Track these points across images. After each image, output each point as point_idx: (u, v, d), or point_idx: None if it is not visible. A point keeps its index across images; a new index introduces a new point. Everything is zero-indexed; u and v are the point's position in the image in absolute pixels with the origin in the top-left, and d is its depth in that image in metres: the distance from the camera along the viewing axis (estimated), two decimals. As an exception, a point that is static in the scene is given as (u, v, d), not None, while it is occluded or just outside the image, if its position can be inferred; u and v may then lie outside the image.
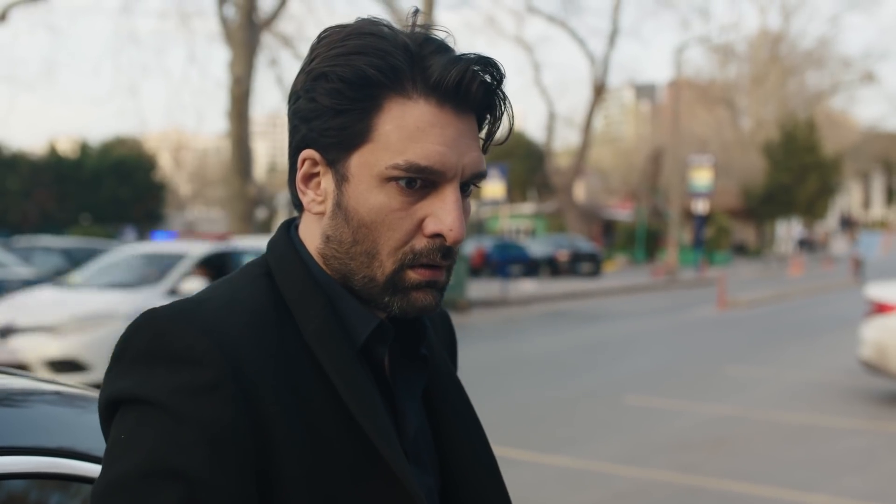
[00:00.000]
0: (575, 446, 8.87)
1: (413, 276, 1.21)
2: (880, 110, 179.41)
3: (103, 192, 45.90)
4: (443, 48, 1.22)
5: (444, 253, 1.22)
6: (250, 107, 27.46)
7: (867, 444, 9.23)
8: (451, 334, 1.56)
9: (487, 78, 1.22)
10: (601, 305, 26.21)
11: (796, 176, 57.91)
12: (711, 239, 54.64)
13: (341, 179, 1.21)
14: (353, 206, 1.20)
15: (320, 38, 1.25)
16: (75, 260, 19.75)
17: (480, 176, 1.25)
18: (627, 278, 38.14)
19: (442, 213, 1.20)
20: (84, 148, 48.50)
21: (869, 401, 11.53)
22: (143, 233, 42.68)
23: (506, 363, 14.39)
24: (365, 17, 1.26)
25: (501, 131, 1.30)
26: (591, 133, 49.42)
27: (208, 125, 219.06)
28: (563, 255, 40.18)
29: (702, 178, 42.83)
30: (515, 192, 60.36)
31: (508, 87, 1.25)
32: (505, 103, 1.26)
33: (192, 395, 1.09)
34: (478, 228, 49.48)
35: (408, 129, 1.18)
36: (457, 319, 21.12)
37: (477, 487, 1.33)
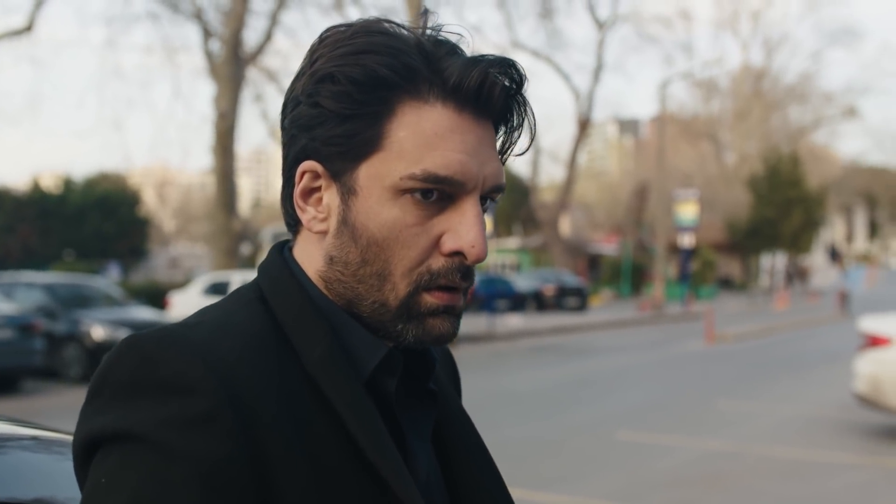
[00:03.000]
0: (565, 483, 8.67)
1: (429, 299, 1.09)
2: (862, 145, 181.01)
3: (87, 227, 45.86)
4: (456, 50, 1.11)
5: (463, 273, 1.09)
6: (235, 141, 27.38)
7: (866, 479, 9.04)
8: (453, 366, 1.42)
9: (507, 82, 1.09)
10: (588, 340, 26.06)
11: (781, 210, 58.01)
12: (697, 273, 54.64)
13: (348, 193, 1.09)
14: (363, 223, 1.08)
15: (322, 38, 1.12)
16: (58, 296, 19.49)
17: (500, 189, 1.13)
18: (614, 313, 38.03)
19: (462, 228, 1.08)
20: (68, 183, 48.41)
21: (865, 435, 11.35)
22: (128, 268, 42.49)
23: (492, 398, 14.17)
24: (369, 16, 1.12)
25: (522, 141, 1.17)
26: (576, 168, 49.48)
27: (193, 160, 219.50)
28: (549, 290, 40.06)
29: (687, 212, 42.93)
30: (501, 226, 60.34)
31: (530, 92, 1.13)
32: (525, 109, 1.13)
33: (184, 428, 0.95)
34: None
35: (424, 135, 1.06)
36: (443, 354, 20.97)
37: None
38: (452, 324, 1.10)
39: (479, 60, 1.08)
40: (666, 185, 47.50)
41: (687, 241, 43.82)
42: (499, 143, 1.15)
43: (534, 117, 1.14)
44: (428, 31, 1.10)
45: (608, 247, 63.18)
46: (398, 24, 1.10)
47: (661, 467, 9.39)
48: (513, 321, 30.81)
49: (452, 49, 1.10)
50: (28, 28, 22.64)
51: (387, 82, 1.05)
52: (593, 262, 60.55)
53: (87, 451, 0.98)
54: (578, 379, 16.89)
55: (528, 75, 1.11)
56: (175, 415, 0.95)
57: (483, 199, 1.11)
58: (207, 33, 28.78)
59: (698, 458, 9.88)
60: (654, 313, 37.84)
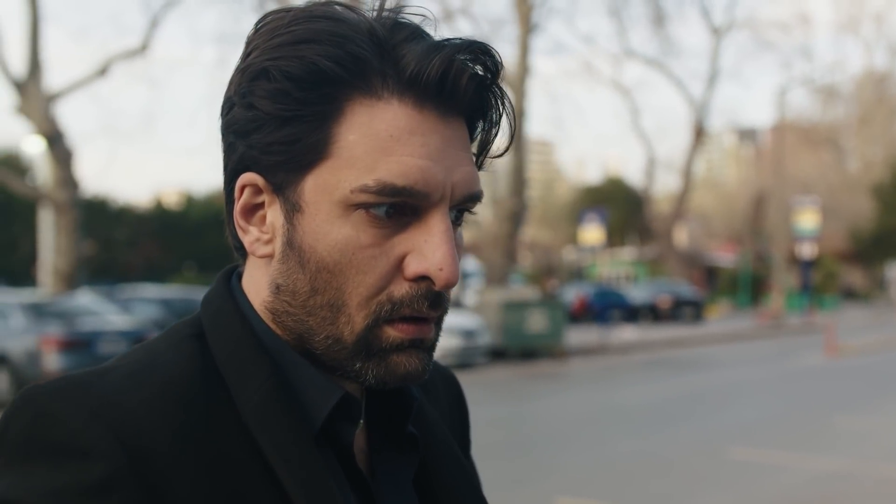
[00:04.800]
0: (671, 502, 8.42)
1: (392, 333, 0.92)
2: None
3: (207, 241, 47.05)
4: (419, 34, 0.93)
5: (431, 301, 0.92)
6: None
7: None
8: (460, 403, 1.24)
9: (479, 69, 0.92)
10: (703, 353, 25.52)
11: (908, 218, 56.23)
12: (819, 283, 53.27)
13: (292, 210, 0.92)
14: (310, 244, 0.91)
15: (258, 27, 0.95)
16: (173, 309, 20.03)
17: (475, 198, 0.95)
18: (731, 324, 37.26)
19: (427, 247, 0.91)
20: (189, 199, 49.85)
21: None
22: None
23: (602, 413, 13.94)
24: None
25: (500, 140, 0.99)
26: (691, 177, 48.63)
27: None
28: (664, 301, 39.52)
29: (807, 220, 41.87)
30: (615, 237, 59.75)
31: (503, 82, 0.96)
32: (503, 102, 0.96)
33: (78, 499, 0.80)
34: (577, 275, 48.96)
35: (378, 138, 0.89)
36: (554, 368, 20.83)
37: None
38: (421, 360, 0.94)
39: (443, 45, 0.91)
40: (785, 194, 46.50)
41: (807, 250, 42.70)
42: (476, 145, 0.99)
43: (513, 111, 0.97)
44: (385, 14, 0.94)
45: (726, 257, 62.06)
46: (350, 7, 0.94)
47: (773, 488, 9.05)
48: (626, 333, 30.43)
49: (412, 34, 0.92)
50: (143, 48, 23.26)
51: (331, 77, 0.89)
52: (710, 273, 59.55)
53: None
54: (691, 394, 16.51)
55: (502, 61, 0.94)
56: (68, 483, 0.81)
57: (456, 212, 0.96)
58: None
59: (812, 478, 9.50)
60: (772, 325, 36.97)
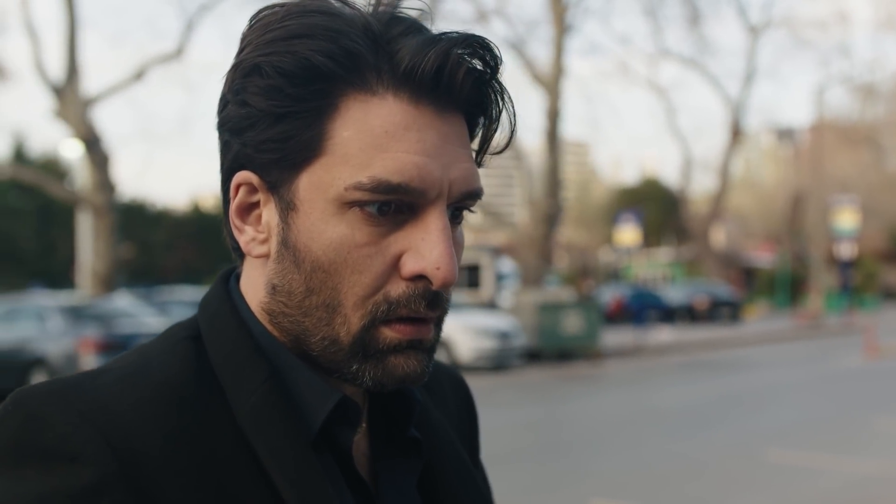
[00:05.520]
0: (708, 507, 8.36)
1: (389, 334, 0.90)
2: None
3: (244, 243, 47.43)
4: (416, 28, 0.91)
5: (429, 301, 0.90)
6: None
7: None
8: (469, 407, 1.22)
9: (477, 64, 0.90)
10: (740, 354, 25.32)
11: (949, 217, 55.55)
12: (858, 283, 52.74)
13: (287, 208, 0.90)
14: (305, 244, 0.89)
15: (252, 23, 0.93)
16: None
17: (474, 195, 0.93)
18: (769, 325, 36.97)
19: (424, 246, 0.89)
20: (226, 202, 50.34)
21: None
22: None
23: (637, 415, 13.85)
24: None
25: (500, 137, 0.97)
26: (728, 177, 48.28)
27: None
28: (700, 302, 39.26)
29: (846, 220, 41.46)
30: (651, 238, 59.47)
31: (505, 77, 0.93)
32: (503, 98, 0.93)
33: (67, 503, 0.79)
34: (613, 276, 48.75)
35: (373, 134, 0.87)
36: (590, 370, 20.74)
37: None
38: (420, 361, 0.92)
39: (439, 39, 0.88)
40: (823, 193, 46.14)
41: (846, 250, 42.28)
42: (476, 141, 0.96)
43: (513, 107, 0.94)
44: (382, 9, 0.92)
45: (764, 257, 61.59)
46: (346, 2, 0.92)
47: (810, 491, 8.95)
48: (662, 335, 30.26)
49: (410, 28, 0.90)
50: (179, 52, 23.42)
51: (324, 72, 0.87)
52: (748, 274, 59.11)
53: None
54: (728, 395, 16.37)
55: (502, 56, 0.92)
56: (57, 488, 0.80)
57: (455, 210, 0.93)
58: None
59: (851, 481, 9.38)
60: (811, 326, 36.63)
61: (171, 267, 44.69)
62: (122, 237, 24.08)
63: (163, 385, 0.88)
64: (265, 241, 0.93)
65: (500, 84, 0.93)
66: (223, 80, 0.94)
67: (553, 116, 26.87)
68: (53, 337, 15.04)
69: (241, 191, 0.93)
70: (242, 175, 0.92)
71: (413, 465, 1.01)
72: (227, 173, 0.95)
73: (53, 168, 41.49)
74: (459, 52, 0.88)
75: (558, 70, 27.21)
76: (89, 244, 22.56)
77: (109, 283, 21.64)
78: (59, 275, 39.50)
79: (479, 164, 0.97)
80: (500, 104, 0.94)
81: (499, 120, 0.95)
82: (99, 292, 21.09)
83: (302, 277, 0.90)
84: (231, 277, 1.01)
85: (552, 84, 26.94)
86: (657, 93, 48.84)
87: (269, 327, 0.95)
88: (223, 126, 0.93)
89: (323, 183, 0.88)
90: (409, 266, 0.89)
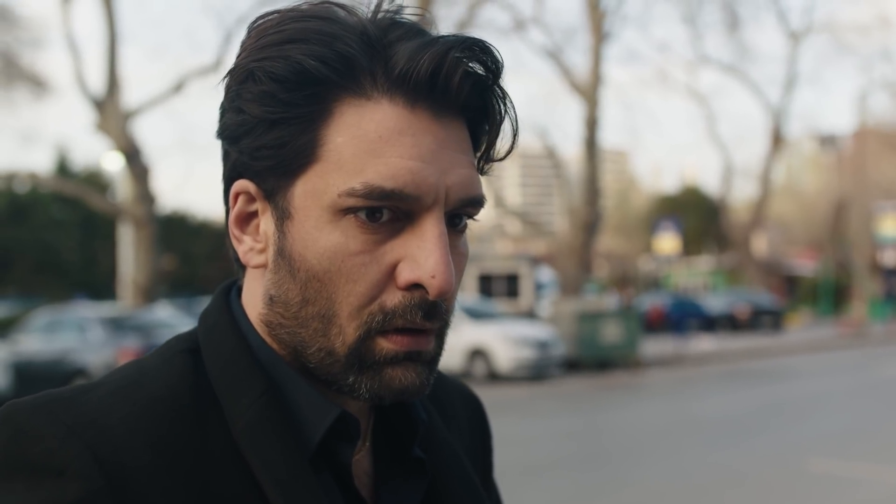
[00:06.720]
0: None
1: (386, 345, 0.87)
2: None
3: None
4: (415, 32, 0.88)
5: (426, 311, 0.87)
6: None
7: None
8: (482, 425, 1.18)
9: (477, 68, 0.87)
10: (782, 364, 25.05)
11: None
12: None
13: (283, 216, 0.88)
14: (300, 252, 0.87)
15: (250, 29, 0.92)
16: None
17: (474, 202, 0.90)
18: (811, 334, 36.58)
19: (420, 254, 0.86)
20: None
21: None
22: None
23: (677, 425, 13.75)
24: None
25: (502, 143, 0.94)
26: (769, 184, 47.87)
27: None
28: (742, 311, 38.91)
29: (890, 226, 41.00)
30: (691, 246, 59.05)
31: (508, 83, 0.91)
32: (504, 103, 0.91)
33: None
34: (654, 285, 48.48)
35: (367, 139, 0.85)
36: (629, 379, 20.61)
37: None
38: (419, 374, 0.89)
39: (434, 42, 0.86)
40: (867, 200, 45.62)
41: (890, 257, 41.82)
42: (481, 149, 0.94)
43: (515, 112, 0.92)
44: (382, 14, 0.89)
45: (806, 265, 60.96)
46: (345, 7, 0.90)
47: (852, 501, 8.83)
48: (703, 344, 30.03)
49: (408, 32, 0.88)
50: (217, 64, 23.58)
51: (317, 77, 0.85)
52: (790, 282, 58.52)
53: None
54: (770, 405, 16.19)
55: (503, 60, 0.89)
56: (45, 502, 0.78)
57: (454, 218, 0.90)
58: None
59: (894, 492, 9.25)
60: (855, 334, 36.18)
61: (212, 278, 44.90)
62: (162, 248, 24.27)
63: (156, 398, 0.86)
64: (263, 250, 0.91)
65: (501, 89, 0.90)
66: (221, 88, 0.93)
67: (592, 125, 26.79)
68: (94, 348, 15.20)
69: (240, 200, 0.92)
70: (240, 184, 0.91)
71: (417, 485, 0.98)
72: (226, 182, 0.93)
73: (95, 180, 41.89)
74: (457, 55, 0.86)
75: (596, 78, 27.12)
76: (130, 256, 22.77)
77: (150, 294, 21.82)
78: (101, 286, 39.85)
79: (482, 172, 0.95)
80: (502, 109, 0.91)
81: (502, 125, 0.92)
82: (140, 303, 21.26)
83: (298, 287, 0.88)
84: (232, 290, 0.99)
85: (590, 92, 26.86)
86: (697, 100, 48.74)
87: (267, 339, 0.93)
88: (222, 133, 0.92)
89: (317, 190, 0.86)
90: (405, 275, 0.86)
